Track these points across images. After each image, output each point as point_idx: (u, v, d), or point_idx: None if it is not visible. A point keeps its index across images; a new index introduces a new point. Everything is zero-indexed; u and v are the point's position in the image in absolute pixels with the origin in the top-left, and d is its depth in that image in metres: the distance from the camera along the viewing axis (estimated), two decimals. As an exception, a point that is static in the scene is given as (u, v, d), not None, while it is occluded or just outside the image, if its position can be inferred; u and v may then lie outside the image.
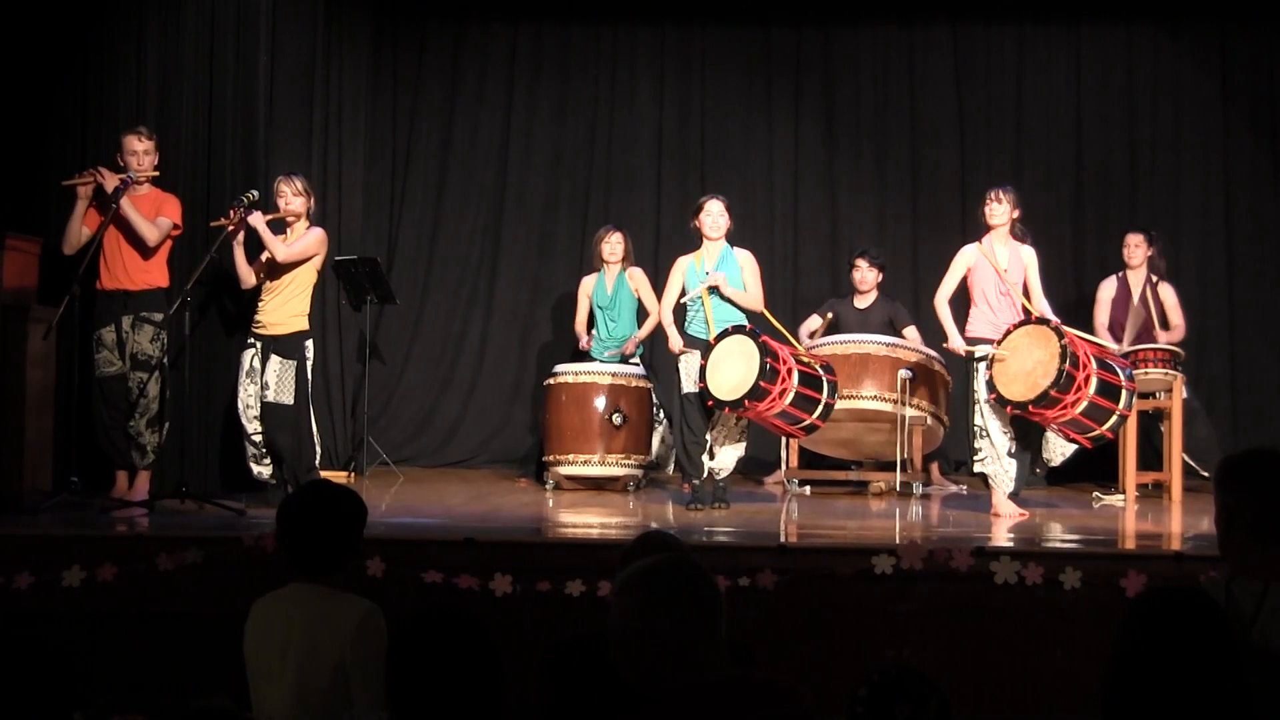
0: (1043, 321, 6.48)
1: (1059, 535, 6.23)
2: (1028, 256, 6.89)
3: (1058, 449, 7.05)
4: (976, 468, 6.88)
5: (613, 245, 8.26)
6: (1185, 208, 9.36)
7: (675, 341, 7.14)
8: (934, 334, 8.24)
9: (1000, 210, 6.86)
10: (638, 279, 8.21)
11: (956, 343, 6.90)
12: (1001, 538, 6.01)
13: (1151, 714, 2.39)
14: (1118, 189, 9.44)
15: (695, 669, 2.47)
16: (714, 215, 7.13)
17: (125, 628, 5.14)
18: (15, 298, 6.50)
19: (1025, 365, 6.38)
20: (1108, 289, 8.35)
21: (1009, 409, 6.44)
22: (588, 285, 8.36)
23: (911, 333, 8.18)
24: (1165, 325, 8.12)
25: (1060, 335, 6.30)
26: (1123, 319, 8.17)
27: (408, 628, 2.58)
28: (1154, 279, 8.25)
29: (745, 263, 7.18)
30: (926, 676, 2.55)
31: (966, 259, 6.94)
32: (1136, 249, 8.22)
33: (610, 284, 8.25)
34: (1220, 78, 9.40)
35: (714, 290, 7.02)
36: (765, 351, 6.53)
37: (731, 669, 2.51)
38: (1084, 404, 6.31)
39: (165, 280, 6.90)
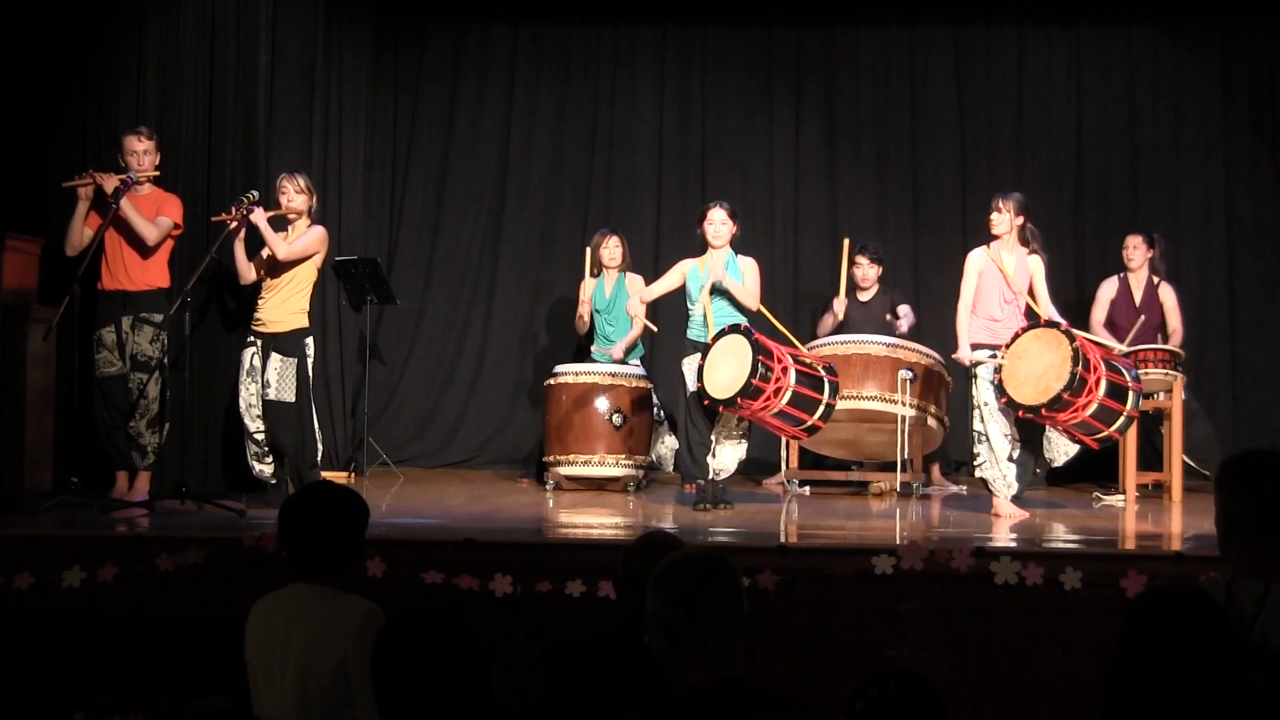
0: (1052, 325, 6.47)
1: (1059, 535, 6.23)
2: (1034, 265, 6.89)
3: (1060, 449, 7.04)
4: (976, 473, 6.90)
5: (611, 250, 8.27)
6: (1185, 208, 9.36)
7: (645, 293, 7.48)
8: (934, 334, 8.26)
9: (1001, 220, 6.87)
10: (635, 286, 8.22)
11: (964, 354, 6.90)
12: (1002, 538, 6.01)
13: (1153, 714, 2.39)
14: (1118, 189, 9.44)
15: (711, 665, 2.47)
16: (716, 224, 7.18)
17: (125, 628, 5.13)
18: (15, 298, 6.50)
19: (1036, 369, 6.36)
20: (1108, 289, 8.36)
21: (1020, 413, 6.44)
22: (588, 287, 8.35)
23: (904, 310, 8.23)
24: (1164, 329, 8.11)
25: (1071, 338, 6.30)
26: (1120, 319, 8.17)
27: (391, 630, 2.57)
28: (1155, 280, 8.26)
29: (748, 269, 7.24)
30: (927, 689, 2.53)
31: (976, 264, 6.94)
32: (1135, 250, 8.23)
33: (609, 288, 8.25)
34: (1220, 78, 9.40)
35: (716, 292, 7.07)
36: (758, 350, 6.53)
37: (746, 669, 2.51)
38: (1094, 406, 6.31)
39: (166, 281, 6.90)
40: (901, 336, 8.10)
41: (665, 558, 2.64)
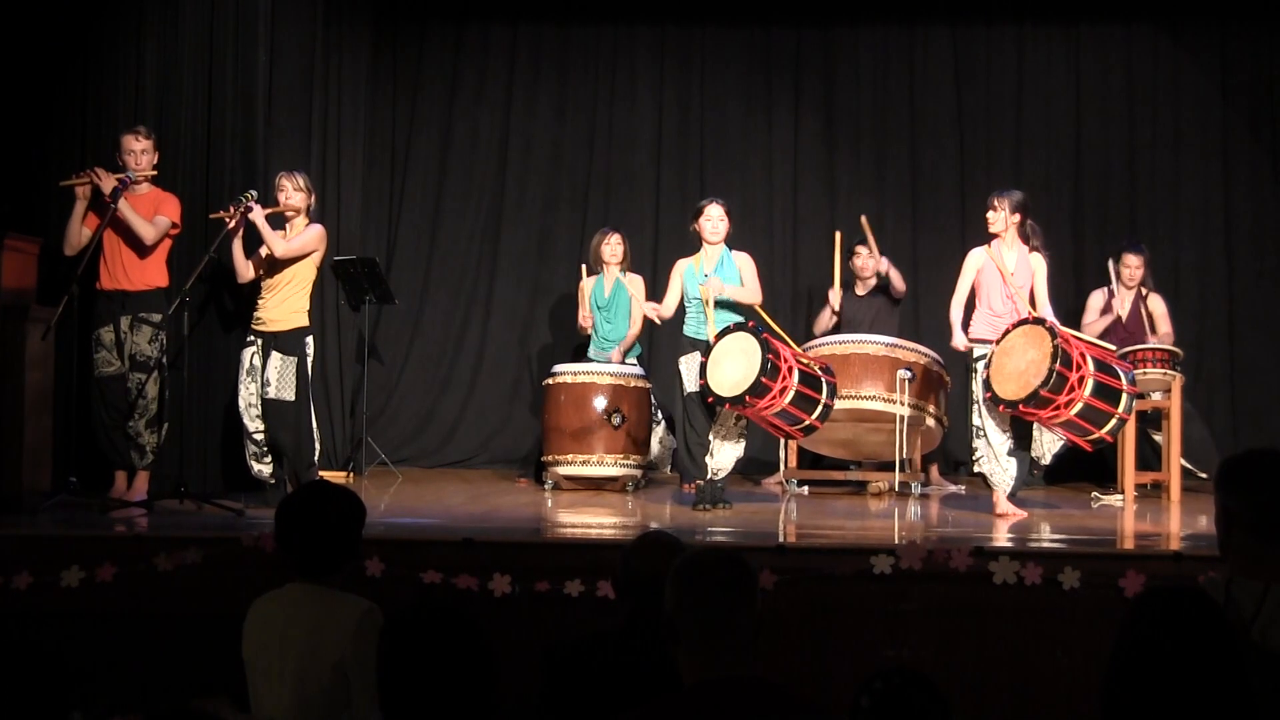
0: (1039, 321, 6.48)
1: (1058, 535, 6.22)
2: (1036, 263, 6.88)
3: (1046, 446, 7.05)
4: (975, 468, 6.89)
5: (613, 247, 8.27)
6: (1184, 208, 9.37)
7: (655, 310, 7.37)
8: (933, 334, 8.26)
9: (997, 218, 6.87)
10: (635, 285, 8.23)
11: (958, 340, 6.90)
12: (1000, 538, 6.01)
13: (1152, 714, 2.39)
14: (1116, 189, 9.45)
15: (716, 665, 2.47)
16: (714, 220, 7.18)
17: (124, 628, 5.13)
18: (14, 298, 6.50)
19: (1019, 364, 6.38)
20: (1098, 299, 8.38)
21: (1001, 407, 6.45)
22: (588, 287, 8.36)
23: (894, 277, 8.22)
24: (1154, 333, 8.12)
25: (1054, 335, 6.29)
26: (1110, 331, 8.17)
27: (396, 625, 2.57)
28: (1144, 291, 8.25)
29: (744, 264, 7.23)
30: (931, 687, 2.53)
31: (975, 262, 6.94)
32: (1138, 270, 8.22)
33: (609, 286, 8.25)
34: (1220, 78, 9.41)
35: (720, 305, 7.08)
36: (767, 348, 6.53)
37: (753, 670, 2.50)
38: (1079, 406, 6.30)
39: (164, 280, 6.90)
40: (897, 293, 8.21)
41: (684, 554, 2.64)
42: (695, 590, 2.51)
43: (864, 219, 8.19)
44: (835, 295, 8.23)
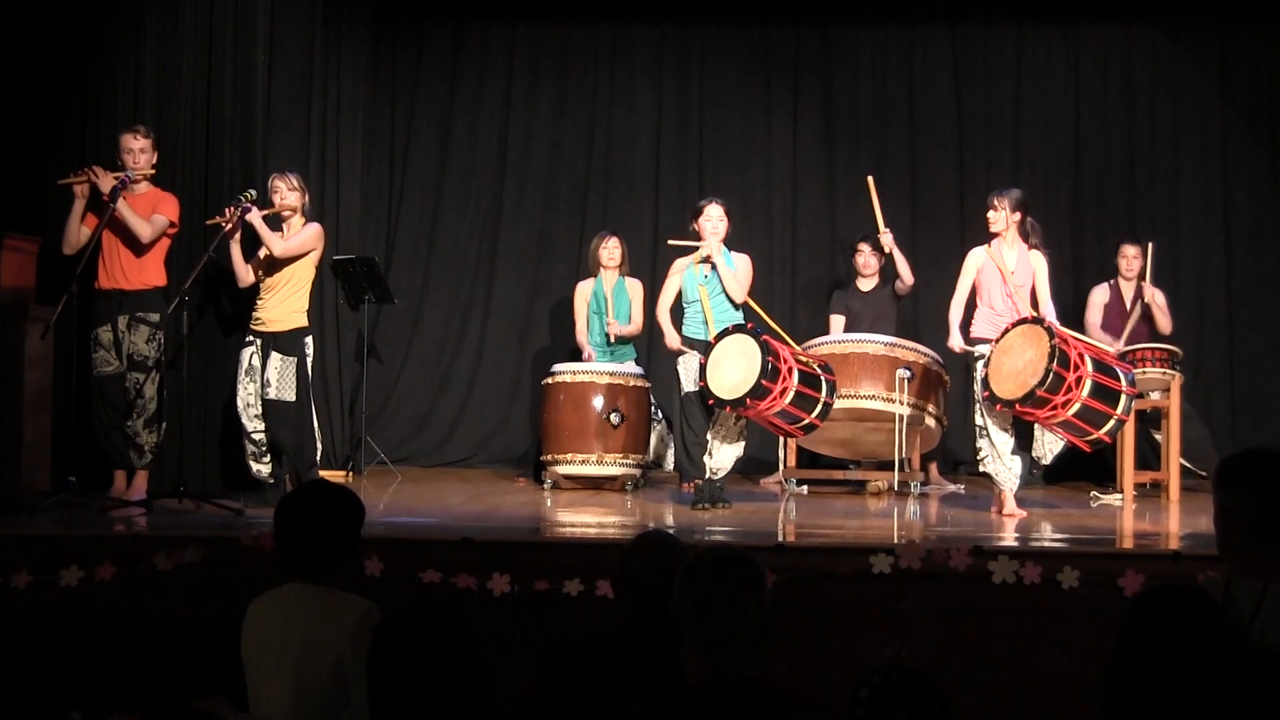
0: (1037, 321, 6.48)
1: (1057, 534, 6.22)
2: (1036, 262, 6.88)
3: (1046, 446, 7.05)
4: (980, 468, 6.89)
5: (610, 250, 8.28)
6: (1184, 208, 9.38)
7: (672, 338, 7.18)
8: (932, 333, 8.26)
9: (998, 217, 6.87)
10: (635, 289, 8.22)
11: (955, 341, 6.91)
12: (999, 537, 6.00)
13: (1151, 713, 2.39)
14: (1116, 189, 9.45)
15: (719, 665, 2.47)
16: (714, 220, 7.18)
17: (123, 627, 5.13)
18: (13, 297, 6.49)
19: (1017, 364, 6.38)
20: (1100, 294, 8.41)
21: (998, 406, 6.45)
22: (584, 291, 8.36)
23: (901, 263, 8.23)
24: (1155, 328, 8.15)
25: (1052, 336, 6.29)
26: (1114, 324, 8.19)
27: (386, 626, 2.57)
28: (1142, 283, 8.28)
29: (741, 265, 7.23)
30: (929, 681, 2.53)
31: (975, 261, 6.95)
32: (1135, 260, 8.26)
33: (607, 289, 8.25)
34: (1219, 78, 9.41)
35: (705, 260, 7.05)
36: (767, 350, 6.53)
37: (756, 670, 2.50)
38: (1076, 406, 6.29)
39: (162, 280, 6.89)
40: (904, 285, 8.22)
41: (693, 553, 2.64)
42: (702, 590, 2.50)
43: (870, 180, 8.18)
44: (886, 237, 8.19)
